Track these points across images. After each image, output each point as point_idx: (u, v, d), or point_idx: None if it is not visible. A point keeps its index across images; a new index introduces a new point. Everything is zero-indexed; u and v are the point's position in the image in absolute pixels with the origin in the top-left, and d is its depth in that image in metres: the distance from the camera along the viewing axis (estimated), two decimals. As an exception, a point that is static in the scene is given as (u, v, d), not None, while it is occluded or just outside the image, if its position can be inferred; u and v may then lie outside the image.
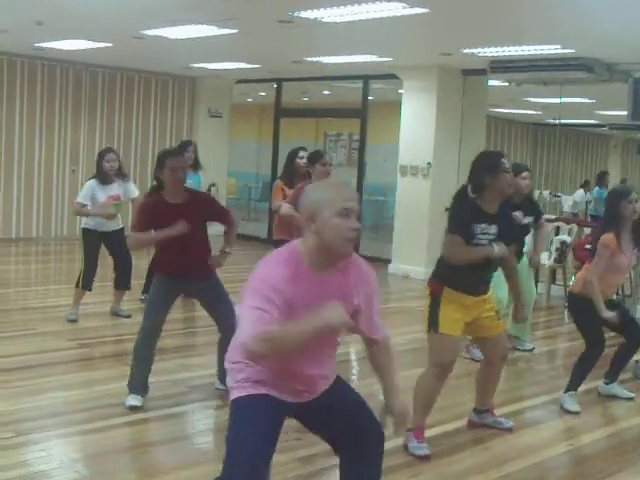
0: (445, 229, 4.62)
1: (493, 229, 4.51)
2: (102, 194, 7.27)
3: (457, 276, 4.51)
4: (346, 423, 3.06)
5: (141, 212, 5.20)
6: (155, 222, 5.04)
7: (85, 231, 7.51)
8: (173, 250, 5.04)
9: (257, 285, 2.79)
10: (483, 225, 4.47)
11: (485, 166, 4.53)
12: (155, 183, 5.43)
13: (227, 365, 3.08)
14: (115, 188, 7.35)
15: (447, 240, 4.51)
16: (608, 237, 5.37)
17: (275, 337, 2.72)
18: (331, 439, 3.16)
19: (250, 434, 2.89)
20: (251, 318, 2.73)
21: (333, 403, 3.06)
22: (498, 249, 4.47)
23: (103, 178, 7.30)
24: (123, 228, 7.61)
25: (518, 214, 6.26)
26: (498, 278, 4.96)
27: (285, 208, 6.35)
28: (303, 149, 7.18)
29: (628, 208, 5.41)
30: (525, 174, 6.55)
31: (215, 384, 5.55)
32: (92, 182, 7.31)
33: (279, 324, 2.73)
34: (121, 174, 7.48)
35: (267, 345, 2.71)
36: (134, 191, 7.62)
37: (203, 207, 5.25)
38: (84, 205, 7.26)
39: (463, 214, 4.52)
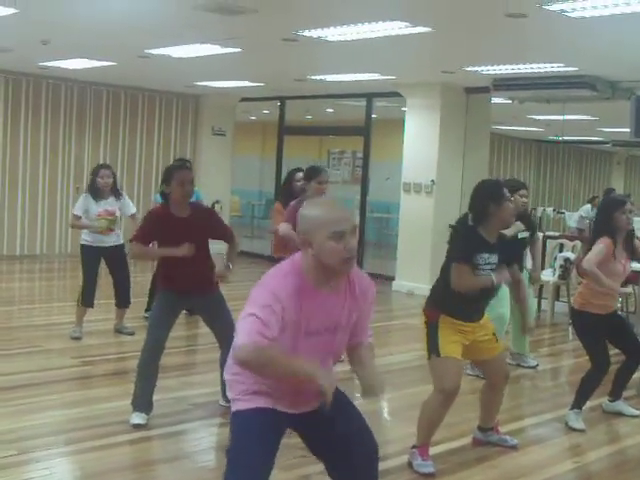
0: (448, 257, 4.60)
1: (494, 258, 4.51)
2: (96, 208, 7.34)
3: (454, 305, 4.51)
4: (343, 438, 3.05)
5: (147, 220, 5.19)
6: (161, 234, 5.04)
7: (83, 247, 7.53)
8: (176, 265, 5.04)
9: (259, 294, 2.81)
10: (486, 255, 4.47)
11: (489, 195, 4.53)
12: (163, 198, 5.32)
13: (227, 376, 3.08)
14: (110, 203, 7.40)
15: (454, 270, 4.46)
16: (606, 239, 5.31)
17: (265, 355, 2.73)
18: (325, 454, 3.15)
19: (250, 446, 2.90)
20: (245, 325, 2.76)
21: (334, 416, 3.04)
22: (498, 277, 4.49)
23: (95, 193, 7.37)
24: (123, 245, 7.63)
25: (518, 223, 6.30)
26: (500, 295, 4.96)
27: (283, 228, 6.16)
28: (300, 170, 7.07)
29: (622, 219, 5.34)
30: (523, 192, 6.57)
31: (219, 401, 5.53)
32: (85, 195, 7.41)
33: (275, 343, 2.74)
34: (115, 190, 7.49)
35: (254, 357, 2.72)
36: (131, 207, 7.66)
37: (207, 222, 5.24)
38: (79, 217, 7.35)
39: (468, 245, 4.51)
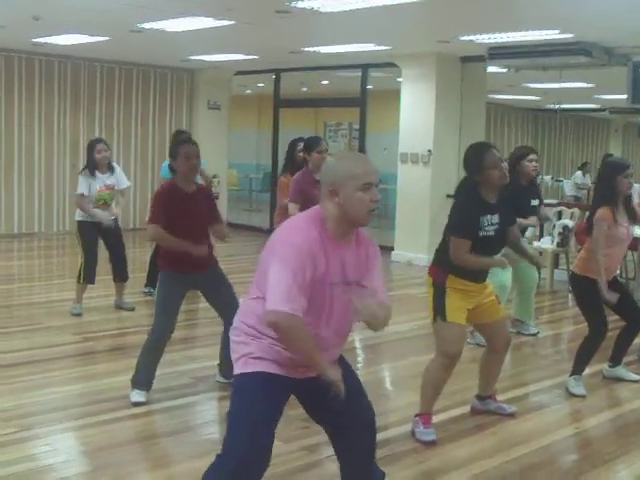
0: (449, 222, 4.59)
1: (496, 219, 4.52)
2: (96, 184, 7.27)
3: (460, 265, 4.49)
4: (342, 405, 3.05)
5: (157, 199, 5.13)
6: (170, 209, 5.01)
7: (80, 224, 7.44)
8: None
9: (288, 252, 2.78)
10: (488, 216, 4.48)
11: (471, 166, 4.54)
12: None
13: (233, 338, 3.05)
14: (107, 178, 7.34)
15: (453, 244, 4.45)
16: (603, 211, 5.32)
17: (298, 330, 2.76)
18: (325, 420, 3.17)
19: (254, 405, 2.89)
20: (281, 288, 2.74)
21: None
22: (497, 260, 4.64)
23: (93, 169, 7.28)
24: (116, 219, 7.59)
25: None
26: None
27: (292, 209, 6.21)
28: (301, 140, 7.14)
29: (624, 183, 5.34)
30: (532, 156, 6.53)
31: (216, 377, 5.55)
32: (84, 173, 7.29)
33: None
34: (109, 165, 7.44)
35: (287, 326, 2.74)
36: (125, 181, 7.62)
37: (208, 199, 5.31)
38: (85, 196, 7.24)
39: (470, 212, 4.48)
